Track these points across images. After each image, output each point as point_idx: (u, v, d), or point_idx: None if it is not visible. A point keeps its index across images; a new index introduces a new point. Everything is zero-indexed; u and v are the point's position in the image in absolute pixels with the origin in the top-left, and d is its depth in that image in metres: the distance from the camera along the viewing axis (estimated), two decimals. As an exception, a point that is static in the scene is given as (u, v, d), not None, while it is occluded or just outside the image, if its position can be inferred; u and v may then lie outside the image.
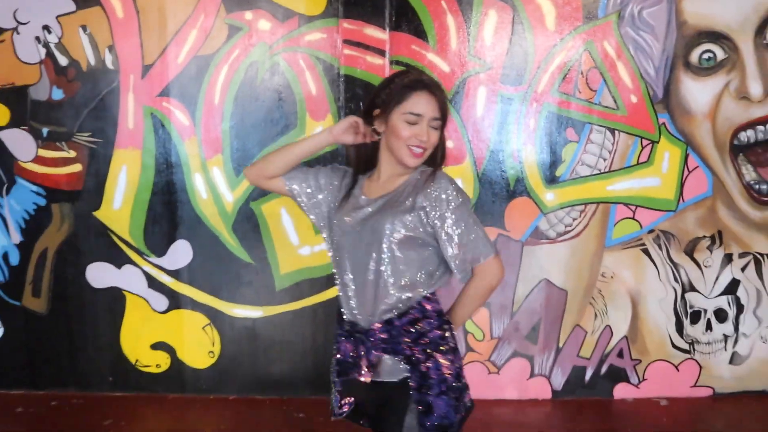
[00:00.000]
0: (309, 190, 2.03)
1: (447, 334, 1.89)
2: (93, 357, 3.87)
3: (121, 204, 3.70)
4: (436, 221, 1.81)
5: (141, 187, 3.67)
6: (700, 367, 3.83)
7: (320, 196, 2.03)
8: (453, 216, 1.81)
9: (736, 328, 3.81)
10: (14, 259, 3.80)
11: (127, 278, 3.78)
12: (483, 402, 3.74)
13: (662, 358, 3.83)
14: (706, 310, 3.79)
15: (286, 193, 2.06)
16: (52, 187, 3.72)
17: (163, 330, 3.82)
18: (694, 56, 3.56)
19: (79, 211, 3.74)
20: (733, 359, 3.84)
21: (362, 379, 1.87)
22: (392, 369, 1.86)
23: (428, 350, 1.86)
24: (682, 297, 3.76)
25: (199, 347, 3.82)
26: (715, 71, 3.57)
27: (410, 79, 1.89)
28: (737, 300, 3.78)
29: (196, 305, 3.79)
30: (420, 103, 1.84)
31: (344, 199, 1.98)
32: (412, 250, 1.85)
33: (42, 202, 3.74)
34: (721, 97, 3.59)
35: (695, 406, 3.79)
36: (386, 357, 1.86)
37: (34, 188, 3.73)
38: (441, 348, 1.87)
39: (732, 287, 3.77)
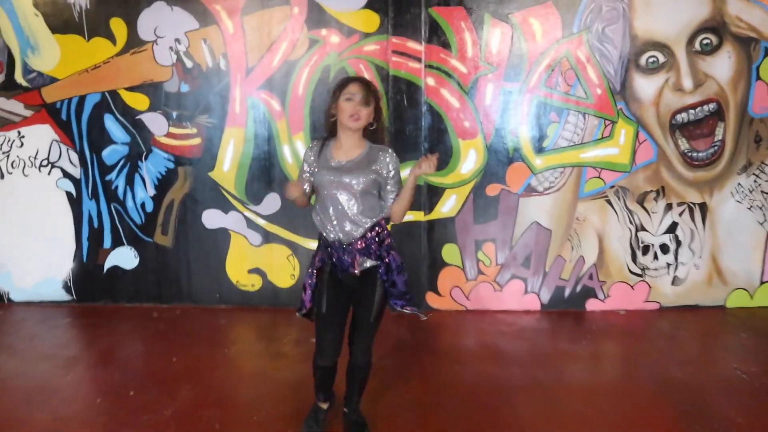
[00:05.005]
0: (308, 177, 2.95)
1: (391, 240, 2.92)
2: (205, 279, 5.16)
3: (229, 167, 4.98)
4: (390, 173, 2.82)
5: (244, 155, 4.94)
6: (650, 287, 5.03)
7: (308, 175, 2.94)
8: (395, 171, 2.84)
9: (676, 258, 5.01)
10: (149, 207, 5.09)
11: (232, 221, 5.05)
12: (490, 311, 5.05)
13: (622, 280, 5.03)
14: (653, 245, 5.00)
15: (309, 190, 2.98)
16: (179, 155, 5.00)
17: (258, 259, 5.10)
18: (643, 60, 4.77)
19: (198, 172, 5.01)
20: (674, 281, 5.04)
21: (355, 271, 2.81)
22: (367, 263, 2.85)
23: (387, 250, 2.87)
24: (636, 235, 4.98)
25: (283, 271, 5.11)
26: (658, 71, 4.77)
27: (345, 77, 2.93)
28: (676, 237, 4.99)
29: (282, 240, 5.06)
30: (351, 87, 2.77)
31: (320, 161, 2.84)
32: (368, 195, 2.80)
33: (171, 165, 5.02)
34: (663, 90, 4.79)
35: (646, 316, 4.98)
36: (363, 258, 2.82)
37: (166, 155, 5.02)
38: (392, 247, 2.91)
39: (672, 228, 4.97)
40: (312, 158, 2.93)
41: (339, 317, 2.88)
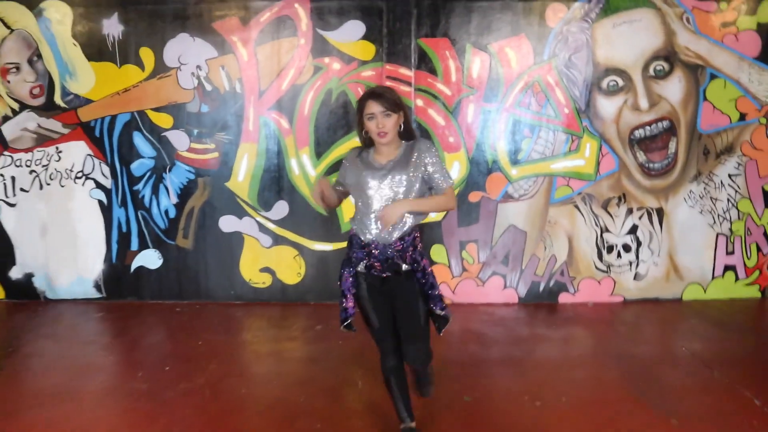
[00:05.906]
0: (346, 183, 3.00)
1: (422, 247, 2.97)
2: (221, 277, 5.76)
3: (243, 178, 5.60)
4: (425, 162, 2.78)
5: (256, 167, 5.56)
6: (614, 282, 5.66)
7: (348, 180, 2.96)
8: (432, 160, 2.80)
9: (637, 257, 5.64)
10: (172, 213, 5.70)
11: (246, 225, 5.66)
12: (474, 304, 5.67)
13: (589, 276, 5.65)
14: (617, 245, 5.64)
15: (345, 194, 3.08)
16: (199, 167, 5.62)
17: (268, 259, 5.71)
18: (604, 83, 5.44)
19: (216, 183, 5.62)
20: (636, 277, 5.67)
21: (384, 275, 2.84)
22: (399, 266, 2.87)
23: (420, 255, 2.93)
24: (601, 236, 5.63)
25: (291, 270, 5.72)
26: (618, 93, 5.44)
27: (361, 96, 2.82)
28: (637, 238, 5.63)
29: (289, 242, 5.67)
30: (369, 106, 2.75)
31: (363, 168, 2.83)
32: (411, 195, 2.78)
33: (192, 176, 5.64)
34: (622, 109, 5.45)
35: (612, 308, 5.59)
36: (398, 260, 2.84)
37: (187, 168, 5.63)
38: (423, 254, 2.96)
39: (633, 229, 5.61)
40: (348, 165, 2.98)
41: (390, 324, 2.93)
